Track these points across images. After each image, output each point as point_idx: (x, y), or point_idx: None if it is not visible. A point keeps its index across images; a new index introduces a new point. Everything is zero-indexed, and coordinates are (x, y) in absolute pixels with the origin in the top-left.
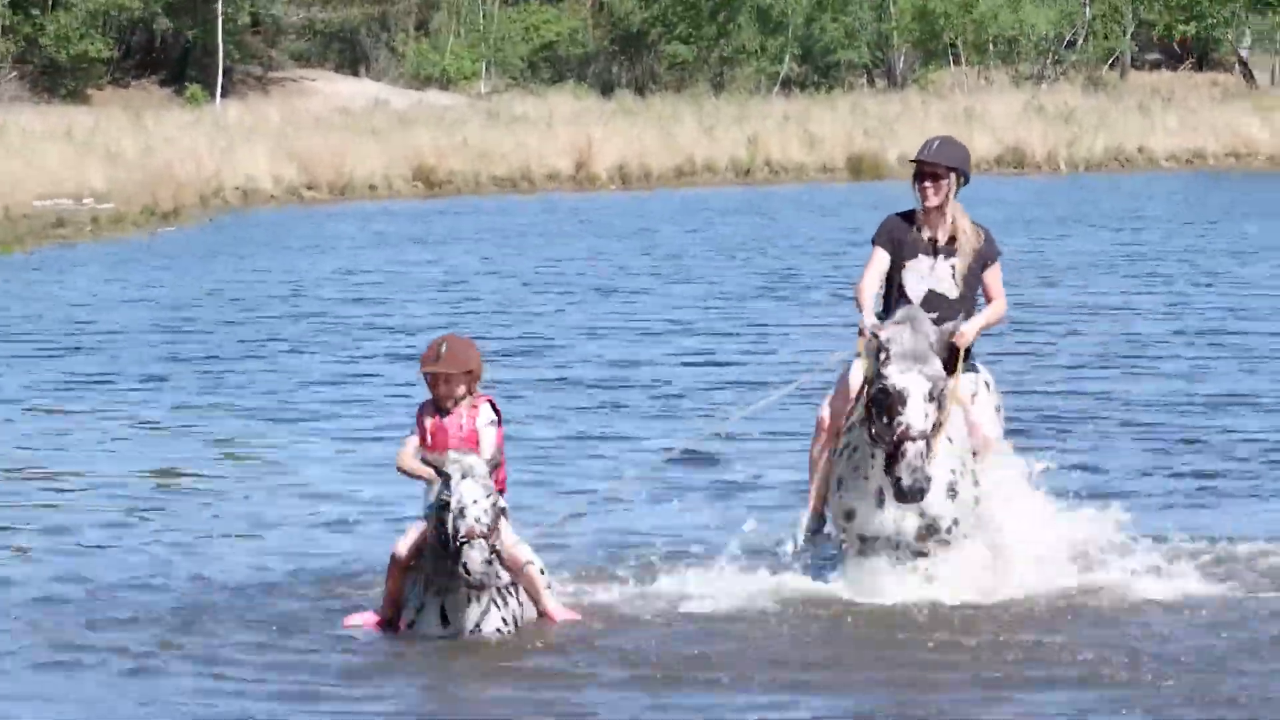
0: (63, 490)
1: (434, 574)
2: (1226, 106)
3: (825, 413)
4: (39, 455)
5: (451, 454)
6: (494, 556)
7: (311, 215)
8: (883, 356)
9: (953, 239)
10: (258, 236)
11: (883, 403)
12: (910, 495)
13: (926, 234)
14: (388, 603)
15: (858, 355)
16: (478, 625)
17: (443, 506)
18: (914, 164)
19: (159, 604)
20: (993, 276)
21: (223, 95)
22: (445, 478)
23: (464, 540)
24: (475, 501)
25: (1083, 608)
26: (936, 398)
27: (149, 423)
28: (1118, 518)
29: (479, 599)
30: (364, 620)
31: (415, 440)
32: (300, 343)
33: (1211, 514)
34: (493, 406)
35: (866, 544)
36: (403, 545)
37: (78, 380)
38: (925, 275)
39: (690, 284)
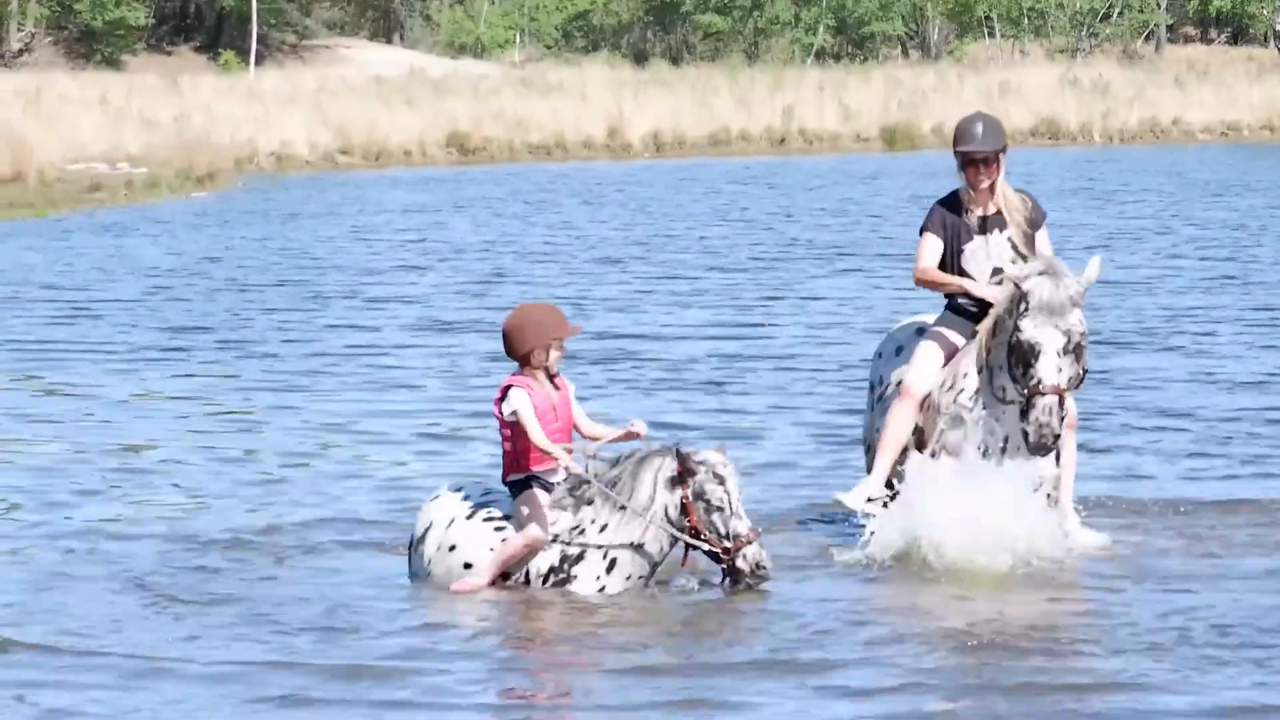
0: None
1: (616, 549)
2: (1262, 80)
3: (910, 379)
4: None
5: (707, 451)
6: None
7: (346, 180)
8: (1021, 306)
9: (998, 212)
10: (284, 202)
11: (1017, 354)
12: (1036, 449)
13: (975, 213)
14: (498, 572)
15: (948, 325)
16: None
17: (703, 499)
18: (961, 154)
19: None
20: (1043, 239)
21: (257, 62)
22: (690, 470)
23: (748, 541)
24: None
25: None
26: (1073, 350)
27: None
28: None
29: (654, 573)
30: (472, 585)
31: (533, 416)
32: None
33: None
34: None
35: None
36: (538, 529)
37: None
38: (985, 256)
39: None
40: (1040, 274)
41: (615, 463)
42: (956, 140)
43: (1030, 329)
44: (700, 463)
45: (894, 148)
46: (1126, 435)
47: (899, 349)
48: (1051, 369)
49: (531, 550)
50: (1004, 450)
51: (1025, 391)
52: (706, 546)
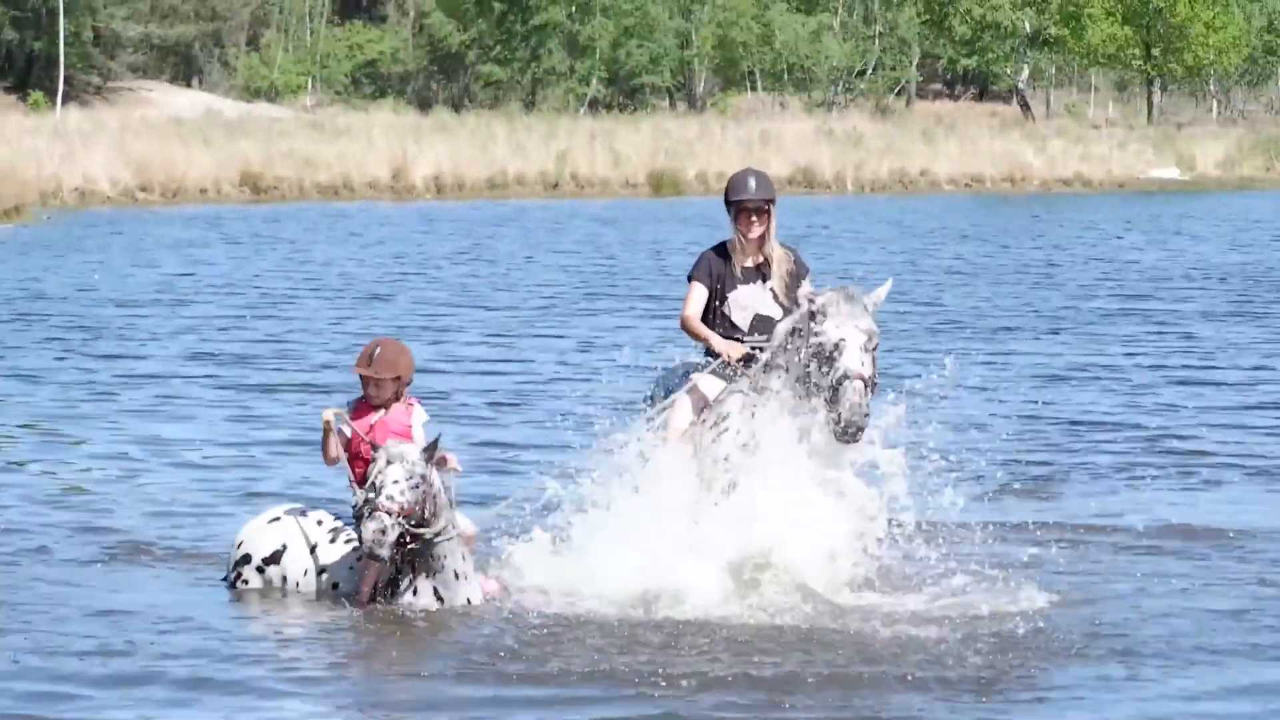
0: None
1: (420, 557)
2: (1004, 136)
3: (675, 422)
4: None
5: (390, 442)
6: (394, 532)
7: (141, 216)
8: (819, 318)
9: (765, 261)
10: (85, 235)
11: (820, 354)
12: (849, 430)
13: (741, 263)
14: (369, 588)
15: (708, 370)
16: (468, 599)
17: (367, 484)
18: (732, 203)
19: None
20: (805, 293)
21: (64, 103)
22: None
23: (367, 511)
24: (395, 482)
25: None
26: (871, 351)
27: None
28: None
29: (465, 577)
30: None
31: (341, 436)
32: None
33: None
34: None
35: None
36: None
37: None
38: (748, 304)
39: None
40: (832, 290)
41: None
42: (730, 191)
43: (832, 328)
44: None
45: (660, 193)
46: None
47: (668, 391)
48: (856, 359)
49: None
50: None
51: (831, 384)
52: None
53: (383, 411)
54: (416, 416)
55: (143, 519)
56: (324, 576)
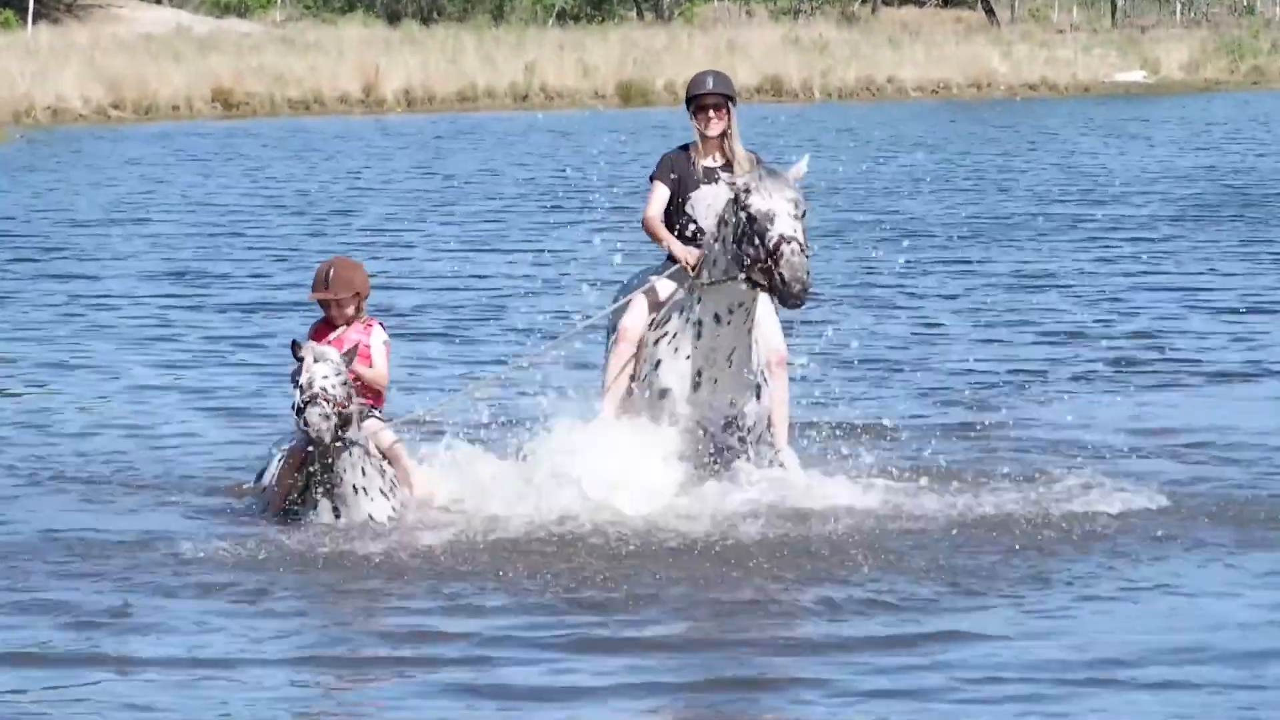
0: None
1: (319, 472)
2: (969, 41)
3: (627, 322)
4: None
5: (310, 344)
6: (336, 419)
7: (115, 134)
8: (743, 196)
9: (728, 164)
10: (59, 153)
11: (752, 227)
12: (795, 292)
13: (704, 163)
14: (280, 497)
15: (666, 274)
16: (370, 515)
17: (295, 384)
18: (692, 100)
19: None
20: (727, 177)
21: (34, 21)
22: (299, 360)
23: (307, 401)
24: (325, 376)
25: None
26: (800, 219)
27: None
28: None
29: (366, 491)
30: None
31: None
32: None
33: None
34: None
35: (675, 428)
36: (296, 445)
37: None
38: (711, 202)
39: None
40: (751, 171)
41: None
42: (689, 90)
43: (760, 200)
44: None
45: (629, 103)
46: None
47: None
48: (789, 225)
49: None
50: (715, 381)
51: (768, 250)
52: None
53: (343, 328)
54: (376, 336)
55: (110, 441)
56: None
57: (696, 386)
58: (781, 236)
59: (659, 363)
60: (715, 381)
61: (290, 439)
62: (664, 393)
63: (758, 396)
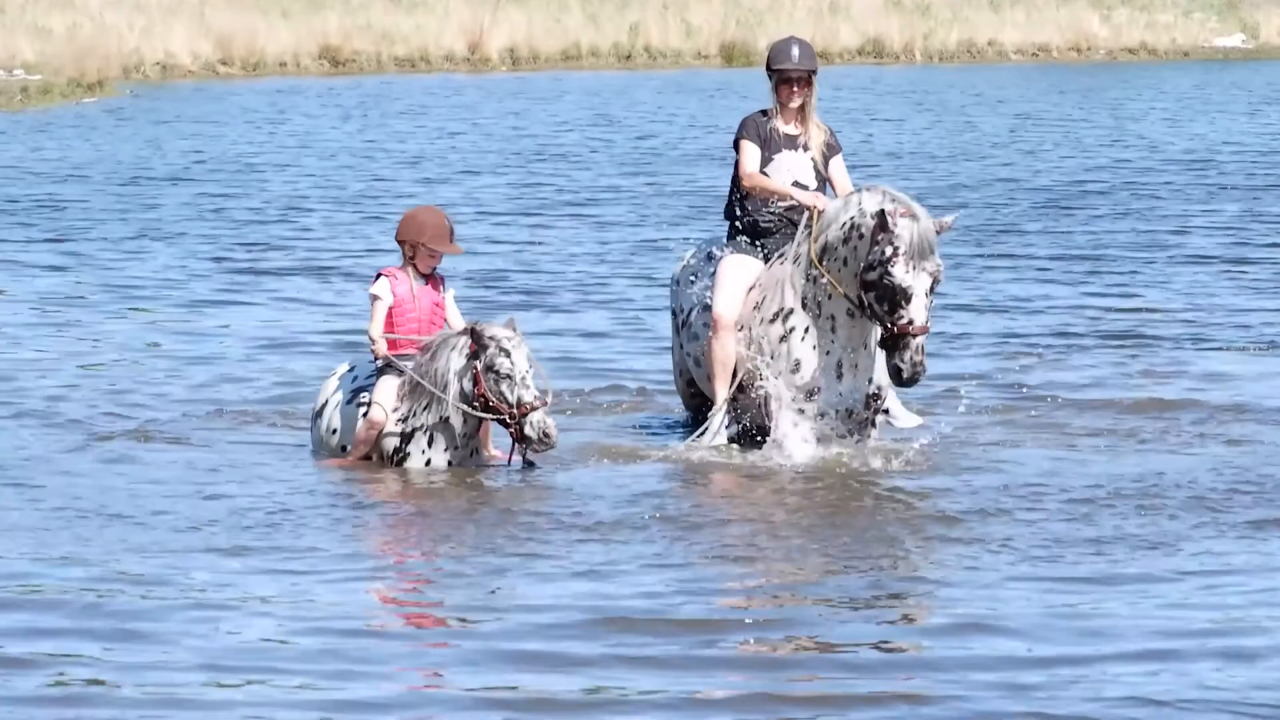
0: None
1: (432, 427)
2: (1069, 4)
3: (721, 309)
4: None
5: (496, 327)
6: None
7: (224, 89)
8: (889, 251)
9: (804, 133)
10: (168, 110)
11: (887, 295)
12: (907, 383)
13: (785, 129)
14: (360, 454)
15: (734, 251)
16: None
17: (492, 370)
18: (775, 72)
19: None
20: (838, 167)
21: None
22: (483, 345)
23: (533, 408)
24: (532, 370)
25: None
26: (934, 291)
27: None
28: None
29: (468, 444)
30: (337, 462)
31: (384, 305)
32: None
33: None
34: None
35: (821, 420)
36: (380, 411)
37: None
38: (790, 168)
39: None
40: (904, 216)
41: (428, 348)
42: (772, 59)
43: (901, 274)
44: (491, 338)
45: (732, 64)
46: None
47: (694, 276)
48: (922, 311)
49: (375, 431)
50: (856, 366)
51: (893, 329)
52: (494, 416)
53: (421, 281)
54: (449, 293)
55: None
56: (335, 436)
57: (840, 377)
58: (912, 325)
59: (798, 362)
60: (856, 366)
61: (357, 378)
62: (811, 392)
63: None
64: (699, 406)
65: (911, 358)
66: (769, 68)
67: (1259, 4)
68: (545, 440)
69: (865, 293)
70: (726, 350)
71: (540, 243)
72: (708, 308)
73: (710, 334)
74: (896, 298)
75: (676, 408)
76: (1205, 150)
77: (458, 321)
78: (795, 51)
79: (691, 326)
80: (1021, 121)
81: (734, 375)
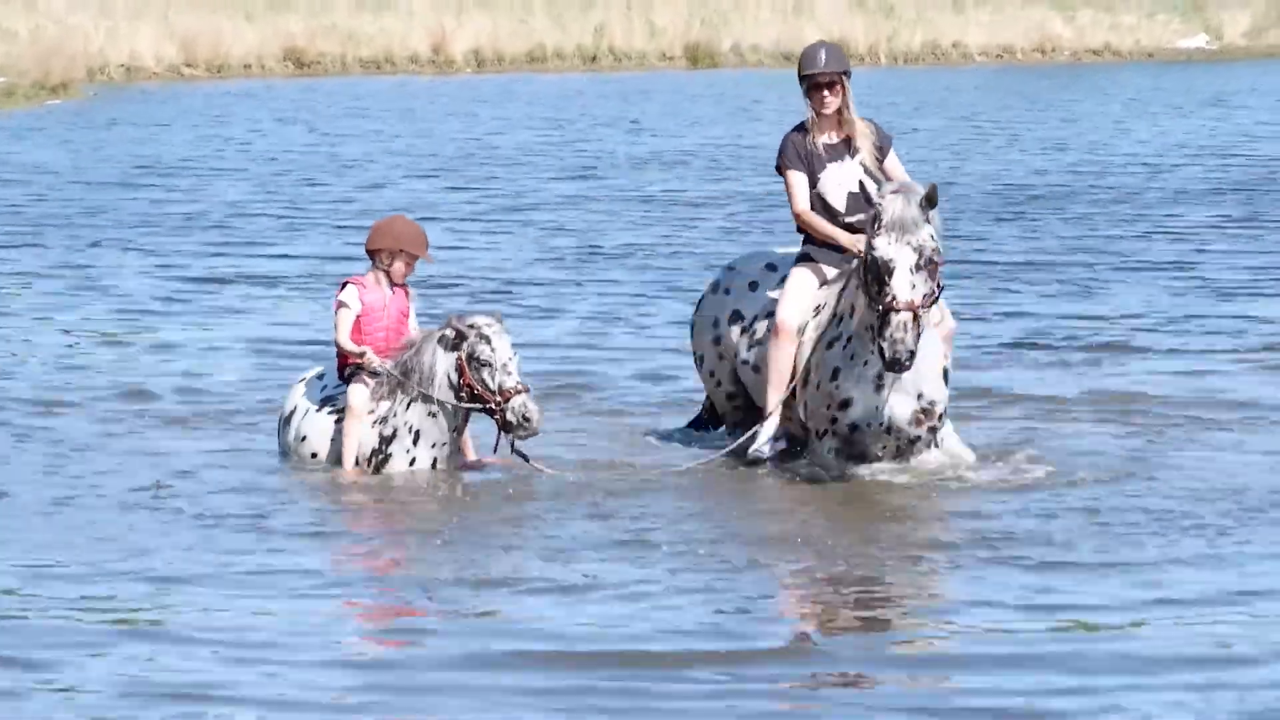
0: None
1: (417, 425)
2: (1033, 4)
3: (784, 315)
4: None
5: (478, 316)
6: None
7: (188, 92)
8: (875, 225)
9: (848, 138)
10: (129, 112)
11: (873, 271)
12: (891, 365)
13: (824, 140)
14: (352, 452)
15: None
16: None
17: (474, 359)
18: (806, 79)
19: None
20: (893, 163)
21: None
22: (463, 335)
23: (515, 393)
24: (514, 357)
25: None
26: (925, 267)
27: None
28: None
29: (454, 442)
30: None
31: (352, 314)
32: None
33: None
34: None
35: (857, 434)
36: (359, 399)
37: None
38: (839, 182)
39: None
40: (893, 191)
41: (410, 344)
42: (801, 67)
43: (883, 246)
44: (471, 326)
45: (697, 65)
46: None
47: (753, 284)
48: (905, 285)
49: (357, 421)
50: (877, 388)
51: (880, 308)
52: (480, 405)
53: (390, 292)
54: (413, 302)
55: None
56: (304, 443)
57: (879, 389)
58: (894, 300)
59: (836, 370)
60: (896, 379)
61: (325, 387)
62: (846, 403)
63: (945, 380)
64: (738, 421)
65: (892, 334)
66: (800, 74)
67: (1225, 4)
68: (526, 424)
69: (863, 278)
70: (785, 357)
71: (490, 248)
72: (771, 314)
73: (771, 338)
74: (881, 272)
75: (637, 412)
76: (1152, 155)
77: (417, 331)
78: (822, 55)
79: (755, 333)
80: (962, 123)
81: (789, 383)
